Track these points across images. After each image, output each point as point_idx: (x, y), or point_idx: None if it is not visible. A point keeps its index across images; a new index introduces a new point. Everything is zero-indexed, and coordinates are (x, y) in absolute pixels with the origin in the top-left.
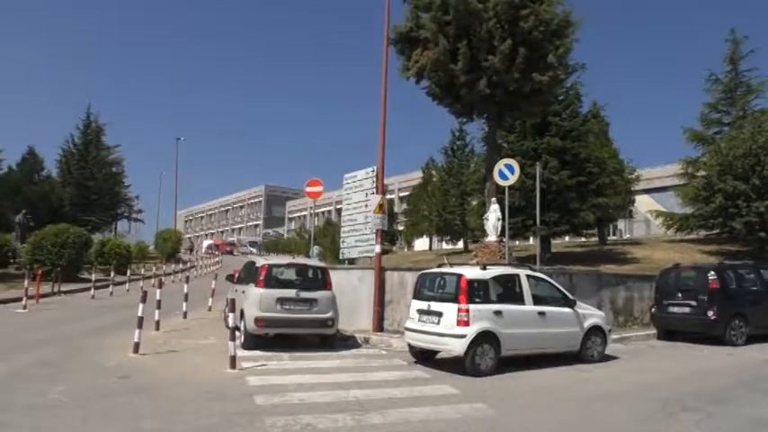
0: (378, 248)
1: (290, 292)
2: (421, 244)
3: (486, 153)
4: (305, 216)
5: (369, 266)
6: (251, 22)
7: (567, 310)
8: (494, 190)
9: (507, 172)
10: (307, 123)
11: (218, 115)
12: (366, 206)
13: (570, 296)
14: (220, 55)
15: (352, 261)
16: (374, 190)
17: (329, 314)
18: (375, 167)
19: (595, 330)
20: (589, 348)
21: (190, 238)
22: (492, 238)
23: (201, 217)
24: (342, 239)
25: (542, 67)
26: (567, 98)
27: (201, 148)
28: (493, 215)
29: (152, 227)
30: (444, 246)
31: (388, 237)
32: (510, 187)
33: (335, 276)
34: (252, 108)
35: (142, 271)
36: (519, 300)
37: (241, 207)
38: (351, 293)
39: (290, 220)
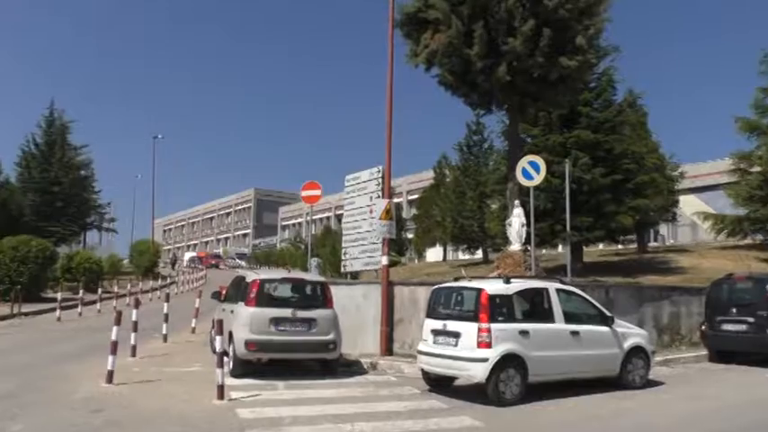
0: (385, 260)
1: (286, 312)
2: (433, 254)
3: (507, 149)
4: (301, 223)
5: (375, 281)
6: (229, 2)
7: (603, 328)
8: (517, 191)
9: (532, 170)
10: (302, 119)
11: (200, 111)
12: (371, 211)
13: (607, 312)
14: (199, 41)
15: (355, 275)
16: (380, 193)
17: (330, 336)
18: (381, 167)
19: (637, 351)
20: (630, 372)
21: (173, 251)
22: (515, 246)
23: (182, 226)
24: (343, 250)
25: (570, 50)
26: (598, 85)
27: (182, 147)
28: (516, 220)
29: (126, 238)
30: (460, 256)
31: (395, 246)
32: (535, 188)
33: (337, 292)
34: (239, 102)
35: (115, 288)
36: (548, 317)
37: (227, 214)
38: (355, 312)
39: (284, 228)
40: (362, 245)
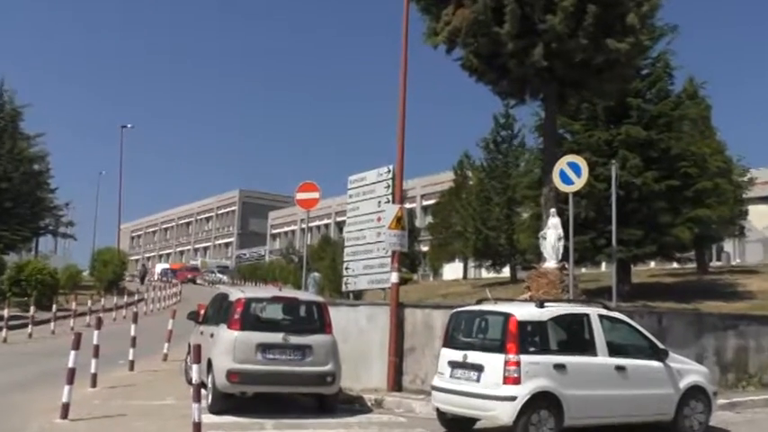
0: (394, 277)
1: (276, 337)
2: (452, 271)
3: (541, 147)
4: (294, 232)
5: (382, 302)
6: None
7: (655, 363)
8: (553, 198)
9: (571, 173)
10: (298, 109)
11: (177, 97)
12: (378, 219)
13: (660, 344)
14: (177, 12)
15: (358, 294)
16: (390, 197)
17: (328, 367)
18: (391, 167)
19: (695, 392)
20: (687, 417)
21: (142, 261)
22: (551, 263)
23: (154, 232)
24: (345, 265)
25: (619, 30)
26: (652, 73)
27: (155, 140)
28: (552, 232)
29: (87, 245)
30: (484, 274)
31: (407, 261)
32: (575, 194)
33: (337, 315)
34: (222, 88)
35: (73, 305)
36: (589, 349)
37: (207, 219)
38: (357, 339)
39: (274, 236)
40: (368, 259)
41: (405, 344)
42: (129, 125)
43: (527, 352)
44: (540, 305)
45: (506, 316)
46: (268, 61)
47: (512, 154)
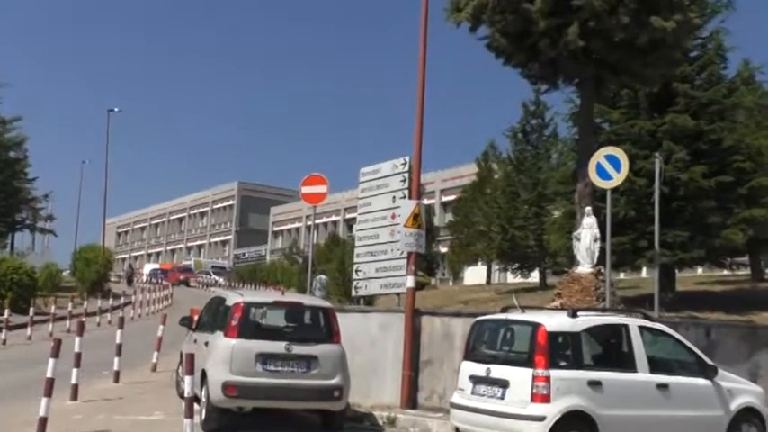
0: (410, 281)
1: (278, 346)
2: (474, 275)
3: (576, 138)
4: (299, 230)
5: (396, 308)
6: None
7: (702, 381)
8: (589, 194)
9: (609, 167)
10: (303, 98)
11: (170, 81)
12: (393, 217)
13: (708, 360)
14: (173, 3)
15: (370, 300)
16: (406, 192)
17: (336, 380)
18: (408, 158)
19: (748, 415)
20: None
21: (129, 261)
22: (585, 267)
23: (142, 228)
24: (355, 266)
25: (665, 6)
26: (702, 55)
27: (146, 126)
28: (587, 233)
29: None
30: (509, 278)
31: (424, 263)
32: (613, 191)
33: (345, 322)
34: (220, 71)
35: (52, 309)
36: (627, 364)
37: (202, 214)
38: (368, 349)
39: (276, 234)
40: (381, 260)
41: (421, 356)
42: (116, 109)
43: (558, 366)
44: (573, 314)
45: (535, 326)
46: (268, 43)
47: (542, 145)
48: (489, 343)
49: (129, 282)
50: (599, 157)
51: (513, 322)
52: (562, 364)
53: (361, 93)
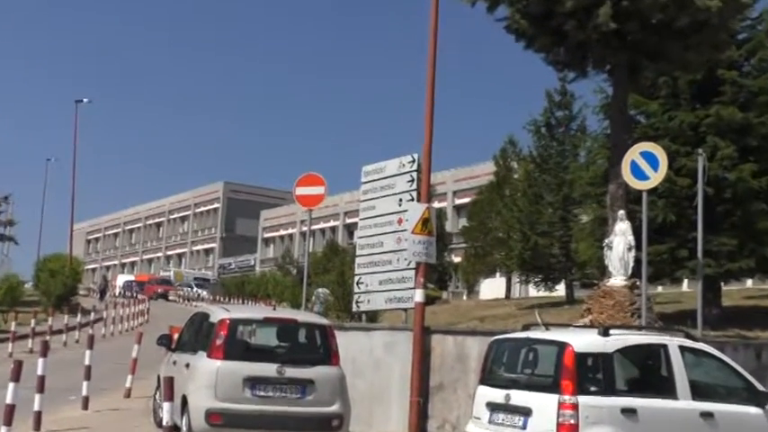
0: (419, 295)
1: (269, 369)
2: (491, 288)
3: (608, 132)
4: (293, 236)
5: (403, 326)
6: None
7: (753, 410)
8: (622, 196)
9: (646, 166)
10: (298, 87)
11: (145, 69)
12: (399, 222)
13: (759, 386)
14: None
15: (374, 316)
16: (414, 194)
17: (334, 407)
18: (416, 156)
19: None
20: None
21: (101, 271)
22: (618, 279)
23: (115, 234)
24: (357, 278)
25: None
26: (752, 38)
27: (118, 120)
28: (620, 240)
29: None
30: (532, 292)
31: (435, 275)
32: (650, 192)
33: (345, 341)
34: (203, 58)
35: (12, 326)
36: (667, 390)
37: (183, 219)
38: (372, 372)
39: (267, 242)
40: (386, 271)
41: (431, 380)
42: (85, 100)
43: (587, 392)
44: (605, 333)
45: (561, 346)
46: (257, 28)
47: (569, 141)
48: (509, 365)
49: (102, 295)
50: (634, 154)
51: (537, 342)
52: (592, 389)
53: (363, 84)
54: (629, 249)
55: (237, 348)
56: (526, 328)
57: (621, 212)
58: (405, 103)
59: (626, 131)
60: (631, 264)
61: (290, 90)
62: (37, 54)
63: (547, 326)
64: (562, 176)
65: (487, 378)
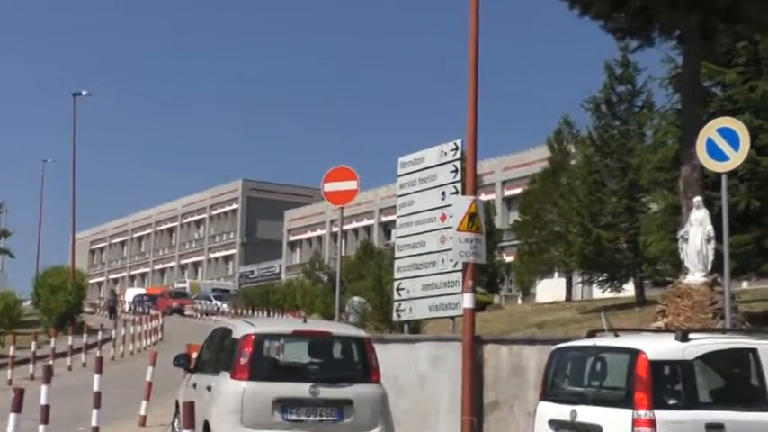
0: (468, 300)
1: (301, 389)
2: (549, 290)
3: (679, 108)
4: (321, 238)
5: (450, 336)
6: None
7: None
8: (697, 181)
9: (725, 144)
10: (324, 76)
11: (152, 57)
12: (443, 218)
13: None
14: None
15: (416, 326)
16: (458, 186)
17: (376, 430)
18: (459, 142)
19: None
20: None
21: (109, 285)
22: (696, 276)
23: (122, 243)
24: (396, 284)
25: None
26: None
27: (123, 115)
28: (697, 232)
29: (29, 264)
30: (596, 293)
31: (485, 277)
32: (730, 175)
33: (386, 355)
34: (217, 43)
35: (11, 350)
36: (757, 401)
37: (198, 223)
38: (416, 389)
39: (293, 246)
40: (429, 275)
41: (485, 396)
42: (84, 92)
43: (665, 406)
44: (683, 337)
45: (633, 354)
46: (280, 13)
47: (634, 119)
48: (574, 377)
49: (112, 312)
50: (710, 131)
51: (605, 350)
52: (671, 402)
53: (396, 67)
54: (708, 241)
55: (265, 367)
56: (592, 334)
57: (697, 199)
58: (445, 86)
59: (700, 105)
60: (711, 257)
61: (315, 77)
62: (35, 47)
63: (615, 331)
64: (627, 160)
65: (549, 393)
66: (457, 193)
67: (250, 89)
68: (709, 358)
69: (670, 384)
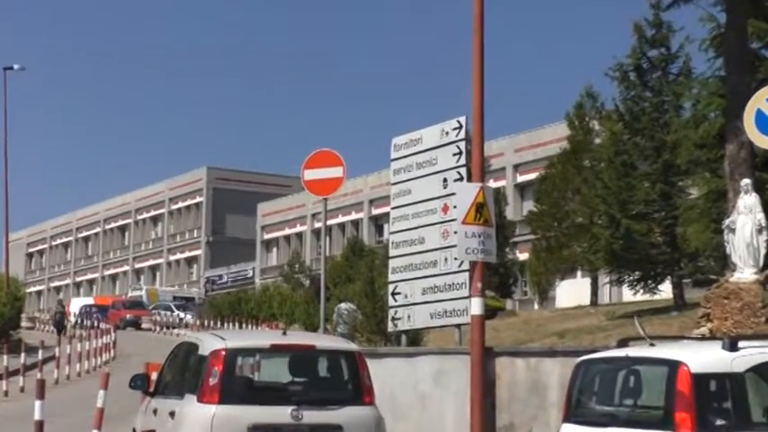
0: (476, 306)
1: (281, 413)
2: (571, 292)
3: (723, 75)
4: (301, 235)
5: (456, 348)
6: None
7: None
8: (745, 160)
9: None
10: (305, 46)
11: (101, 26)
12: (445, 209)
13: None
14: None
15: (415, 337)
16: (463, 171)
17: None
18: (463, 119)
19: None
20: None
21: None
22: (746, 273)
23: (66, 244)
24: (392, 288)
25: None
26: None
27: (65, 92)
28: (746, 220)
29: None
30: (627, 295)
31: (496, 278)
32: None
33: (380, 372)
34: (180, 11)
35: None
36: None
37: (155, 219)
38: (418, 411)
39: (269, 244)
40: (430, 276)
41: (497, 419)
42: (15, 66)
43: (711, 428)
44: (732, 346)
45: (673, 366)
46: None
47: (669, 89)
48: (603, 395)
49: (60, 328)
50: (760, 101)
51: (639, 362)
52: (718, 423)
53: (389, 32)
54: (760, 231)
55: (238, 388)
56: (623, 343)
57: (746, 182)
58: (447, 53)
59: (747, 71)
60: (763, 251)
61: (290, 42)
62: None
63: (651, 339)
64: (661, 137)
65: (574, 414)
66: (461, 179)
67: (213, 59)
68: (762, 370)
69: (717, 402)
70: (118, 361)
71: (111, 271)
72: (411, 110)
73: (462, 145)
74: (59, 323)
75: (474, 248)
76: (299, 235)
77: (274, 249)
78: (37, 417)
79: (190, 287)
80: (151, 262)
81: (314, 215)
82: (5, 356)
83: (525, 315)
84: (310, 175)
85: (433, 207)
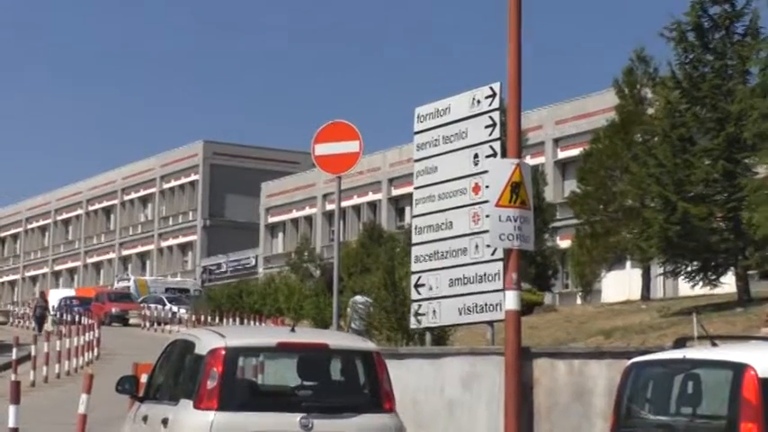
0: (511, 300)
1: (288, 421)
2: (619, 285)
3: None
4: (311, 218)
5: (488, 348)
6: None
7: None
8: None
9: None
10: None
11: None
12: (476, 189)
13: None
14: None
15: (441, 335)
16: (497, 146)
17: None
18: (497, 86)
19: None
20: None
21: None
22: None
23: (43, 228)
24: (414, 279)
25: None
26: None
27: (42, 56)
28: None
29: None
30: (683, 289)
31: (534, 269)
32: None
33: (402, 374)
34: None
35: None
36: None
37: (144, 199)
38: (445, 419)
39: (273, 229)
40: (458, 266)
41: (536, 429)
42: None
43: None
44: None
45: (737, 370)
46: None
47: (733, 51)
48: (657, 402)
49: (40, 323)
50: None
51: (698, 364)
52: None
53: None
54: None
55: (239, 392)
56: (680, 343)
57: None
58: (477, 12)
59: None
60: None
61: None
62: None
63: (713, 339)
64: (724, 107)
65: (624, 424)
66: (495, 155)
67: (212, 23)
68: None
69: None
70: (102, 361)
71: (95, 259)
72: (437, 75)
73: (496, 116)
74: (40, 318)
75: (509, 234)
76: (309, 218)
77: (280, 235)
78: (11, 424)
79: (184, 277)
80: (140, 248)
81: (325, 196)
82: None
83: (567, 311)
84: (322, 150)
85: (463, 187)
